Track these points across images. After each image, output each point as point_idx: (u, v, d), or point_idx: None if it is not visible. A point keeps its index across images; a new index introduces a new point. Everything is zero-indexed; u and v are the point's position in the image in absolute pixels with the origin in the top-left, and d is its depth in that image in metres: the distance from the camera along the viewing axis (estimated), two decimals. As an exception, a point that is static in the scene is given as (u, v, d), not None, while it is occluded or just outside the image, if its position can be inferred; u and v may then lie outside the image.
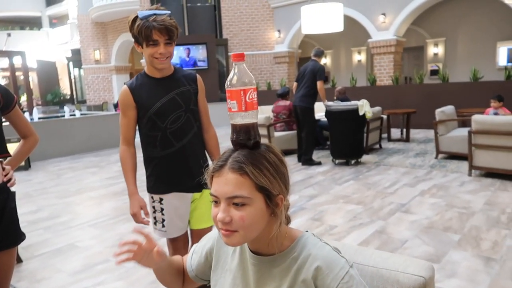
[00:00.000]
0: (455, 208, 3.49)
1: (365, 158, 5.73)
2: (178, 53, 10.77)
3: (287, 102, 6.50)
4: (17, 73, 11.30)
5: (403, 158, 5.71)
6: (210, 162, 1.83)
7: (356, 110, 5.25)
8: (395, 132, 7.70)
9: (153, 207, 1.76)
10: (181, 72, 1.75)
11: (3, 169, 1.48)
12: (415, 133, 7.87)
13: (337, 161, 5.57)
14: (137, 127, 1.75)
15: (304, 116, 5.58)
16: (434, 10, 10.89)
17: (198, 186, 1.74)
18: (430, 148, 6.19)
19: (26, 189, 5.13)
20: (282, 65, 12.01)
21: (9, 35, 19.31)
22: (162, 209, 1.74)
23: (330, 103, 5.64)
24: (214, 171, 0.82)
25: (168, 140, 1.68)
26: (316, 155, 5.98)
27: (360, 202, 3.81)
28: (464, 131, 5.10)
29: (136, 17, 1.58)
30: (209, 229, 1.86)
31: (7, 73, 14.22)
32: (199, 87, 1.77)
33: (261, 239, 0.84)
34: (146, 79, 1.68)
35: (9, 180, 1.50)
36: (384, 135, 7.16)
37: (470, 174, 4.52)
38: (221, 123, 10.54)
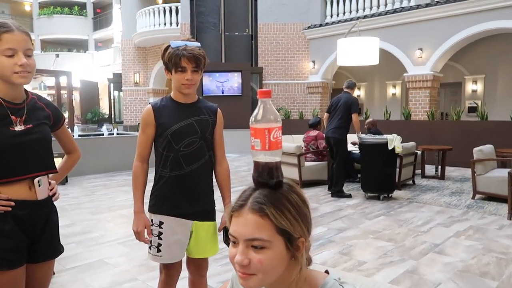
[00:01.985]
0: (493, 252, 3.32)
1: (397, 193, 5.59)
2: (214, 79, 11.07)
3: (315, 132, 6.51)
4: (62, 91, 11.93)
5: (438, 196, 5.53)
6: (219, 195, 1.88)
7: (385, 144, 5.18)
8: (430, 169, 7.49)
9: (151, 230, 1.78)
10: (204, 102, 1.85)
11: (49, 183, 1.56)
12: (450, 170, 7.62)
13: (367, 195, 5.46)
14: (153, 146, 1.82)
15: (337, 148, 5.56)
16: (473, 47, 10.73)
17: (199, 214, 1.78)
18: (467, 188, 5.96)
19: (62, 203, 5.32)
20: (315, 95, 12.08)
21: (57, 56, 20.55)
22: (160, 233, 1.76)
23: (362, 135, 5.60)
24: (233, 210, 0.79)
25: (179, 162, 1.73)
26: (347, 188, 5.88)
27: (391, 239, 3.69)
28: (503, 172, 4.90)
29: (169, 46, 1.70)
30: (206, 260, 1.88)
31: (53, 91, 15.02)
32: (218, 120, 1.84)
33: (280, 284, 0.79)
34: (170, 102, 1.77)
35: (54, 194, 1.58)
36: (418, 171, 6.98)
37: (510, 218, 4.30)
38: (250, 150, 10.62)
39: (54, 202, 1.59)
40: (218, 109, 1.87)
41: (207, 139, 1.79)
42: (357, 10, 11.18)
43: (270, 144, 0.80)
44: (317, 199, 5.42)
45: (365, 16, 10.58)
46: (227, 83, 11.20)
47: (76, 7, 22.35)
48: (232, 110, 10.40)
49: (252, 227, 0.75)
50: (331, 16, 11.75)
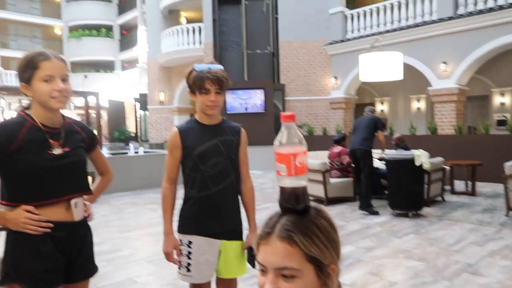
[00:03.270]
0: (531, 273, 3.19)
1: (426, 210, 5.45)
2: (238, 96, 11.21)
3: (339, 148, 6.47)
4: (90, 111, 12.31)
5: (469, 213, 5.36)
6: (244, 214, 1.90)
7: (412, 160, 5.09)
8: (459, 185, 7.28)
9: (180, 250, 1.81)
10: (228, 123, 1.89)
11: (84, 205, 1.61)
12: (481, 186, 7.39)
13: (395, 212, 5.35)
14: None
15: (364, 159, 5.53)
16: (499, 59, 10.50)
17: (227, 233, 1.80)
18: (499, 204, 5.76)
19: (92, 221, 5.44)
20: (338, 111, 12.03)
21: (85, 76, 21.32)
22: (189, 253, 1.79)
23: (387, 151, 5.56)
24: (261, 238, 0.77)
25: (205, 183, 1.77)
26: (374, 204, 5.79)
27: (422, 259, 3.60)
28: (538, 188, 4.72)
29: (193, 69, 1.76)
30: (235, 280, 1.88)
31: (82, 111, 15.54)
32: (241, 140, 1.88)
33: None
34: (195, 124, 1.83)
35: (88, 215, 1.64)
36: (447, 187, 6.80)
37: (547, 236, 4.13)
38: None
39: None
40: (242, 129, 1.91)
41: (232, 159, 1.83)
42: (378, 25, 11.17)
43: (296, 169, 0.78)
44: (344, 217, 5.36)
45: (387, 31, 10.55)
46: (250, 100, 11.31)
47: (103, 29, 23.21)
48: (255, 127, 10.48)
49: (281, 255, 0.73)
50: (352, 31, 11.77)
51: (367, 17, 11.43)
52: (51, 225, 1.43)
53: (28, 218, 1.39)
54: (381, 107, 14.62)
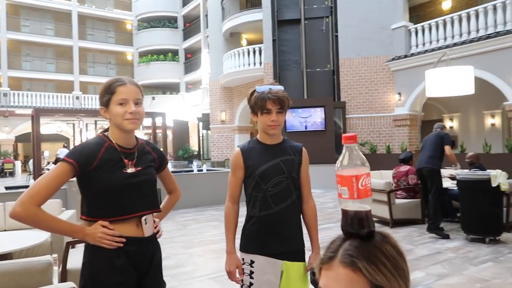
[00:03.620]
0: None
1: (506, 236, 4.97)
2: (298, 115, 11.21)
3: (407, 167, 6.16)
4: (157, 131, 13.01)
5: (558, 240, 4.80)
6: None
7: (488, 181, 4.69)
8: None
9: (243, 269, 1.81)
10: (289, 142, 1.89)
11: (153, 221, 1.68)
12: None
13: (469, 237, 4.95)
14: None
15: (431, 178, 5.22)
16: None
17: (289, 254, 1.77)
18: None
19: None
20: (402, 128, 11.54)
21: (153, 98, 22.64)
22: (251, 272, 1.78)
23: (460, 171, 5.18)
24: (323, 262, 0.74)
25: (267, 202, 1.77)
26: (445, 228, 5.40)
27: (502, 290, 3.27)
28: None
29: (254, 90, 1.80)
30: None
31: (149, 131, 16.47)
32: (303, 159, 1.87)
33: None
34: (257, 144, 1.85)
35: (157, 231, 1.70)
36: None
37: None
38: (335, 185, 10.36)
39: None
40: (303, 148, 1.91)
41: (294, 178, 1.82)
42: (445, 39, 10.63)
43: (358, 192, 0.76)
44: (411, 240, 5.05)
45: (455, 44, 10.00)
46: (310, 118, 11.25)
47: (170, 54, 24.64)
48: (316, 145, 10.38)
49: (344, 282, 0.69)
50: (417, 46, 11.33)
51: (433, 31, 10.94)
52: (124, 240, 1.51)
53: (103, 232, 1.48)
54: (450, 124, 13.78)
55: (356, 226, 0.75)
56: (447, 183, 6.08)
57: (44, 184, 1.42)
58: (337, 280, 0.70)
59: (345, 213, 0.77)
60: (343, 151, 0.78)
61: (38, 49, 24.34)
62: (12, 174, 20.61)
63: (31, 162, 13.82)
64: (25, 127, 21.99)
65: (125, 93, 1.53)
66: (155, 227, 1.67)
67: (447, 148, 5.18)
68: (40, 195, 1.40)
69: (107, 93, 1.54)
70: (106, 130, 1.64)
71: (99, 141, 1.57)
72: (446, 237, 5.06)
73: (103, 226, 1.50)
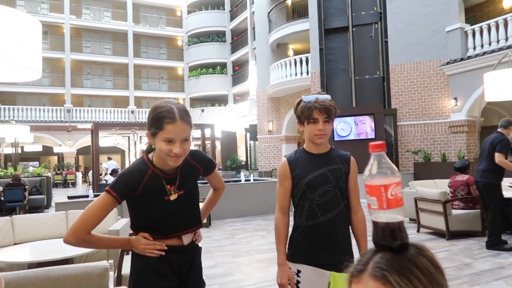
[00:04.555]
0: None
1: None
2: (346, 123, 11.01)
3: (465, 177, 5.80)
4: (206, 142, 13.34)
5: None
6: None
7: (562, 190, 4.30)
8: None
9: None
10: (337, 151, 1.86)
11: None
12: None
13: (538, 252, 4.55)
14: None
15: (488, 194, 4.87)
16: None
17: (336, 264, 1.70)
18: None
19: (206, 245, 5.79)
20: (459, 135, 10.93)
21: (202, 111, 23.30)
22: (297, 282, 1.76)
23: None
24: (352, 275, 0.71)
25: (314, 211, 1.75)
26: (508, 241, 5.02)
27: None
28: None
29: (301, 100, 1.79)
30: None
31: (199, 142, 16.93)
32: (351, 168, 1.83)
33: None
34: (304, 154, 1.84)
35: (197, 237, 1.75)
36: None
37: None
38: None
39: (200, 244, 1.76)
40: (352, 157, 1.87)
41: (341, 188, 1.78)
42: (506, 39, 9.97)
43: (388, 202, 0.72)
44: (470, 254, 4.74)
45: (517, 44, 9.36)
46: (360, 126, 11.00)
47: (218, 67, 25.31)
48: (366, 154, 10.07)
49: None
50: (474, 48, 10.72)
51: (493, 31, 10.31)
52: (165, 248, 1.59)
53: (146, 243, 1.59)
54: (514, 130, 12.84)
55: (388, 238, 0.71)
56: (510, 193, 5.66)
57: (91, 215, 1.51)
58: None
59: (376, 224, 0.74)
60: (371, 160, 0.75)
61: (98, 67, 26.05)
62: (74, 184, 22.04)
63: (90, 173, 14.72)
64: (85, 140, 23.52)
65: (173, 132, 1.47)
66: (195, 234, 1.72)
67: (496, 156, 4.76)
68: (89, 225, 1.50)
69: (155, 126, 1.49)
70: (151, 150, 1.66)
71: (142, 168, 1.58)
72: (509, 250, 4.69)
73: (145, 237, 1.60)
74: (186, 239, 1.66)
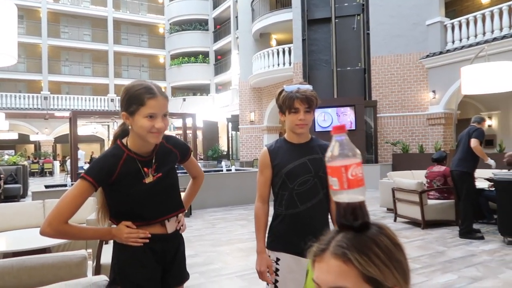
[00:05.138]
0: None
1: (547, 239, 4.73)
2: (328, 114, 11.11)
3: (442, 168, 5.96)
4: (187, 131, 13.24)
5: None
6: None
7: (530, 182, 4.47)
8: None
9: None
10: (317, 141, 1.88)
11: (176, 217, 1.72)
12: None
13: (507, 240, 4.73)
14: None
15: (461, 182, 5.03)
16: None
17: None
18: None
19: (187, 234, 5.78)
20: (436, 127, 11.18)
21: (184, 100, 23.06)
22: (277, 270, 1.79)
23: (498, 171, 4.95)
24: (315, 254, 0.73)
25: (293, 200, 1.77)
26: (481, 230, 5.21)
27: (542, 295, 3.12)
28: None
29: (283, 90, 1.80)
30: None
31: (180, 131, 16.80)
32: None
33: None
34: (284, 143, 1.86)
35: (181, 226, 1.75)
36: None
37: None
38: (367, 185, 10.15)
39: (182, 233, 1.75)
40: None
41: (321, 177, 1.80)
42: (483, 34, 10.20)
43: (348, 182, 0.73)
44: (444, 242, 4.90)
45: (494, 39, 9.58)
46: (340, 118, 11.12)
47: (200, 56, 25.05)
48: (345, 145, 10.23)
49: (335, 274, 0.67)
50: (453, 42, 10.93)
51: (471, 26, 10.52)
52: (149, 235, 1.57)
53: (128, 232, 1.56)
54: (489, 122, 13.21)
55: (350, 218, 0.73)
56: (484, 184, 5.85)
57: (68, 203, 1.47)
58: (329, 272, 0.68)
59: (338, 204, 0.75)
60: (332, 142, 0.77)
61: (76, 54, 25.40)
62: (51, 173, 21.60)
63: (68, 162, 14.44)
64: (63, 128, 23.02)
65: (156, 107, 1.47)
66: (179, 222, 1.71)
67: (472, 141, 4.90)
68: (65, 214, 1.46)
69: (135, 103, 1.47)
70: (123, 135, 1.63)
71: (117, 153, 1.56)
72: (480, 238, 4.88)
73: (127, 226, 1.56)
74: (170, 227, 1.64)
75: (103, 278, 1.88)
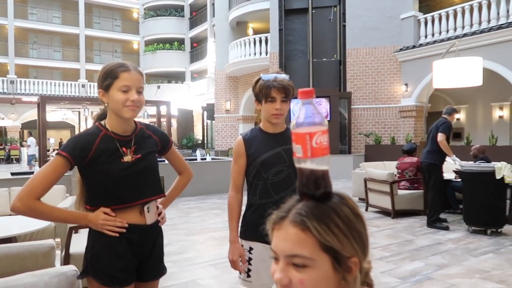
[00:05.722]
0: None
1: (508, 228, 4.96)
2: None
3: (414, 159, 6.13)
4: (161, 119, 13.03)
5: (561, 234, 4.78)
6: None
7: (492, 173, 4.66)
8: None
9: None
10: None
11: (157, 207, 1.68)
12: None
13: (471, 229, 4.94)
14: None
15: (429, 174, 5.19)
16: None
17: None
18: None
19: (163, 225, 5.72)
20: (408, 119, 11.47)
21: (158, 87, 22.65)
22: (249, 259, 1.79)
23: (464, 162, 5.12)
24: (274, 222, 0.73)
25: (268, 190, 1.77)
26: (447, 219, 5.40)
27: (502, 281, 3.27)
28: None
29: (259, 78, 1.78)
30: None
31: (154, 119, 16.52)
32: None
33: None
34: (260, 132, 1.84)
35: (162, 218, 1.69)
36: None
37: None
38: (340, 175, 10.38)
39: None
40: None
41: (295, 167, 1.80)
42: (455, 29, 10.48)
43: (312, 150, 0.71)
44: (413, 231, 5.06)
45: (464, 35, 9.87)
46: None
47: (176, 43, 24.59)
48: (320, 135, 10.34)
49: (293, 242, 0.67)
50: (425, 36, 11.19)
51: (443, 21, 10.78)
52: (126, 225, 1.51)
53: (105, 219, 1.49)
54: (457, 116, 13.65)
55: (312, 187, 0.71)
56: (451, 175, 6.05)
57: (41, 178, 1.42)
58: (286, 240, 0.68)
59: (300, 172, 0.73)
60: (299, 107, 0.74)
61: (45, 37, 24.41)
62: (18, 160, 20.84)
63: (36, 148, 13.95)
64: (31, 114, 22.17)
65: (129, 79, 1.49)
66: (159, 214, 1.67)
67: (438, 136, 5.02)
68: (38, 190, 1.41)
69: (110, 77, 1.49)
70: (102, 117, 1.61)
71: (94, 131, 1.54)
72: (446, 228, 5.06)
73: (105, 213, 1.50)
74: (150, 218, 1.59)
75: (72, 268, 1.82)
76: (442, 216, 5.37)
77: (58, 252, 2.75)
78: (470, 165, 5.09)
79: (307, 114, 0.72)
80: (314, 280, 0.65)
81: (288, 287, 0.67)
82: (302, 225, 0.67)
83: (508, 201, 5.04)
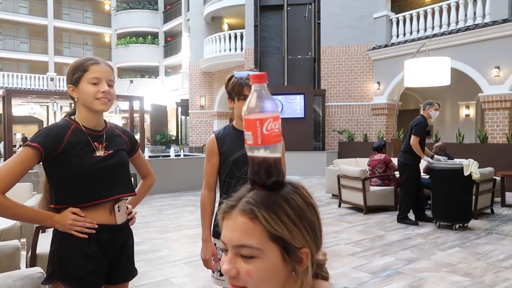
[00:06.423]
0: None
1: (473, 223, 5.16)
2: (278, 102, 11.19)
3: (382, 156, 6.26)
4: (134, 115, 12.77)
5: (522, 228, 5.01)
6: None
7: (460, 170, 4.82)
8: (510, 197, 6.83)
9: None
10: None
11: (127, 208, 1.64)
12: (536, 199, 6.89)
13: (439, 224, 5.10)
14: None
15: (402, 172, 5.34)
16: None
17: None
18: (557, 219, 5.34)
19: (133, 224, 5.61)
20: (380, 117, 11.72)
21: (131, 82, 22.17)
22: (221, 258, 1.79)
23: (430, 160, 5.26)
24: (224, 212, 0.70)
25: None
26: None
27: (467, 274, 3.39)
28: None
29: (232, 76, 1.76)
30: None
31: (127, 114, 16.17)
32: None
33: None
34: (232, 130, 1.83)
35: (131, 218, 1.66)
36: (497, 199, 6.40)
37: None
38: (314, 172, 10.50)
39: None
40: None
41: None
42: (425, 29, 10.78)
43: (262, 137, 0.68)
44: (384, 226, 5.18)
45: (434, 35, 10.15)
46: (290, 105, 11.27)
47: (149, 36, 24.11)
48: (294, 132, 10.42)
49: (240, 231, 0.64)
50: (397, 36, 11.44)
51: (414, 21, 11.06)
52: (96, 226, 1.46)
53: (74, 220, 1.43)
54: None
55: (263, 176, 0.69)
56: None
57: (8, 170, 1.35)
58: (234, 229, 0.66)
59: (252, 161, 0.71)
60: (251, 92, 0.71)
61: (11, 27, 23.38)
62: (-17, 156, 19.95)
63: (1, 144, 13.39)
64: (-3, 108, 21.23)
65: (98, 72, 1.48)
66: (129, 214, 1.64)
67: (411, 138, 5.12)
68: (3, 183, 1.34)
69: (79, 70, 1.47)
70: (72, 113, 1.57)
71: (65, 124, 1.50)
72: (415, 224, 5.21)
73: (74, 213, 1.44)
74: (120, 217, 1.55)
75: (38, 270, 1.75)
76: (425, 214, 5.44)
77: (23, 253, 2.65)
78: (439, 162, 5.24)
79: (258, 99, 0.69)
80: (262, 271, 0.63)
81: (237, 279, 0.65)
82: (251, 214, 0.65)
83: (473, 197, 5.23)
